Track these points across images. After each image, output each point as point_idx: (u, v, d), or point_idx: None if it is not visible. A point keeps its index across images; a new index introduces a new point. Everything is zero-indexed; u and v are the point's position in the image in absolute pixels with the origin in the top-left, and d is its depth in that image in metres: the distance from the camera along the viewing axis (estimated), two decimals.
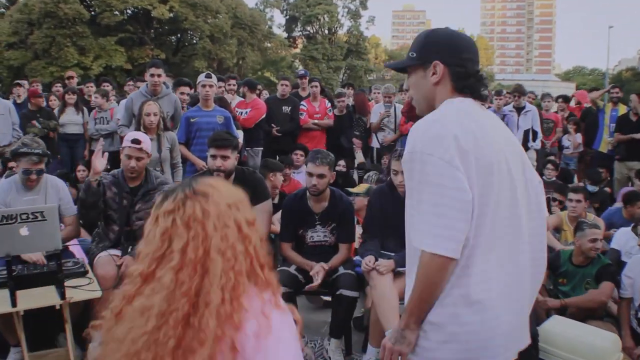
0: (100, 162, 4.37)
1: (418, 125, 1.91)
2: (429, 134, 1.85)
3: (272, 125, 8.27)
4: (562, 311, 4.31)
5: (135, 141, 4.40)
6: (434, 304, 1.86)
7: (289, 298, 4.25)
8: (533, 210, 2.01)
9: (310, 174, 4.43)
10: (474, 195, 1.80)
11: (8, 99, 9.95)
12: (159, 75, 6.43)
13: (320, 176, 4.39)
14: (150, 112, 5.67)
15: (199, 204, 1.42)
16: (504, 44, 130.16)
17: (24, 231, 3.40)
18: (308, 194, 4.56)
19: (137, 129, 5.70)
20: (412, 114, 7.73)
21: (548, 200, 6.77)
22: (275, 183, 5.80)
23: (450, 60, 1.98)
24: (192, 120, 6.36)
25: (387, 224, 4.31)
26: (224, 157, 4.33)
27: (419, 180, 1.85)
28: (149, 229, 1.44)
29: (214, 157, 4.35)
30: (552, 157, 8.99)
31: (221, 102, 7.30)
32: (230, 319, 1.31)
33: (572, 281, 4.50)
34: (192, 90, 8.07)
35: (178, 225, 1.39)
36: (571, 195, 5.69)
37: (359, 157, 9.16)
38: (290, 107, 8.49)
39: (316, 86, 8.93)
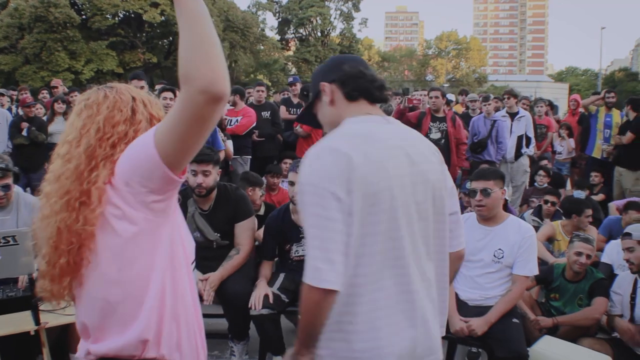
0: None
1: (309, 152, 1.84)
2: (316, 163, 1.78)
3: (254, 131, 8.21)
4: (555, 329, 4.20)
5: None
6: (324, 331, 1.82)
7: (273, 319, 4.15)
8: (439, 229, 1.97)
9: (291, 183, 4.32)
10: (356, 225, 1.75)
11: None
12: (141, 87, 6.33)
13: None
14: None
15: (104, 92, 1.75)
16: (497, 45, 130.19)
17: None
18: (292, 207, 4.46)
19: None
20: (401, 121, 7.59)
21: (539, 208, 6.67)
22: (253, 198, 5.64)
23: (333, 75, 1.97)
24: None
25: None
26: (205, 173, 4.19)
27: (305, 211, 1.77)
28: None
29: (194, 173, 4.21)
30: (545, 163, 8.91)
31: None
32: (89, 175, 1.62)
33: (565, 296, 4.38)
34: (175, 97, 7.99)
35: (82, 109, 1.73)
36: (588, 212, 5.57)
37: None
38: (269, 112, 8.47)
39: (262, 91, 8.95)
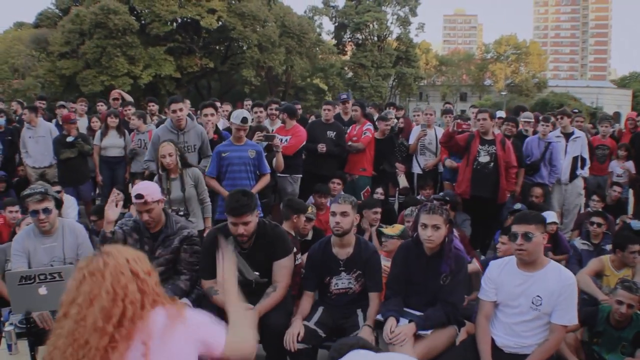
0: (113, 211, 4.40)
1: None
2: None
3: (321, 145, 8.11)
4: None
5: (138, 196, 4.37)
6: None
7: (309, 354, 4.18)
8: None
9: (333, 213, 4.38)
10: None
11: (55, 116, 10.18)
12: (180, 110, 6.49)
13: (343, 214, 4.33)
14: (166, 154, 5.67)
15: (102, 259, 2.07)
16: (558, 49, 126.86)
17: (42, 290, 3.45)
18: (333, 239, 4.50)
19: (157, 170, 5.83)
20: (450, 144, 7.54)
21: (588, 232, 6.49)
22: (298, 224, 5.69)
23: None
24: (223, 154, 6.35)
25: (411, 281, 4.20)
26: (245, 223, 4.21)
27: None
28: (70, 282, 2.10)
29: (234, 224, 4.24)
30: (617, 184, 8.57)
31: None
32: (110, 333, 1.97)
33: (608, 344, 4.22)
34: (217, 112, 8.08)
35: (85, 275, 2.04)
36: (633, 248, 5.22)
37: (402, 182, 8.97)
38: (335, 133, 8.34)
39: (356, 110, 8.83)
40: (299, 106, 10.90)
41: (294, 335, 4.11)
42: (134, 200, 4.42)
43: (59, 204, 4.75)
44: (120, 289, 2.02)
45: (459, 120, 7.56)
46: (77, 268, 2.11)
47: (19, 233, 4.81)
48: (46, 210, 4.44)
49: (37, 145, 8.86)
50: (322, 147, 8.05)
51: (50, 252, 4.54)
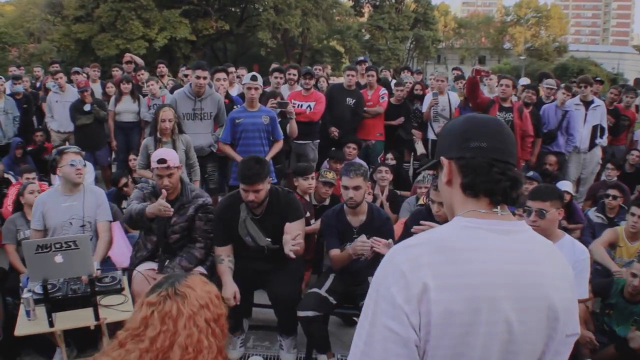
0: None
1: (391, 250, 1.49)
2: (394, 269, 1.42)
3: (334, 129, 8.13)
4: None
5: (161, 161, 4.40)
6: None
7: (319, 321, 4.25)
8: None
9: (345, 187, 4.40)
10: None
11: (71, 81, 10.17)
12: (204, 78, 6.52)
13: (356, 188, 4.36)
14: (166, 119, 5.88)
15: (176, 304, 1.83)
16: (580, 12, 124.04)
17: (58, 259, 3.48)
18: (346, 207, 4.53)
19: (153, 133, 6.01)
20: (475, 95, 7.22)
21: (603, 204, 6.45)
22: (302, 188, 5.71)
23: (454, 152, 1.55)
24: (237, 121, 6.35)
25: None
26: (256, 191, 4.23)
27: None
28: (136, 310, 1.89)
29: (245, 191, 4.27)
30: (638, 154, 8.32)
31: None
32: None
33: (619, 316, 4.22)
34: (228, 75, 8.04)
35: (155, 317, 1.81)
36: (634, 210, 5.17)
37: (420, 148, 8.87)
38: (354, 100, 8.25)
39: (372, 76, 8.78)
40: (319, 67, 10.86)
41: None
42: (155, 165, 4.44)
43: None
44: (193, 346, 1.81)
45: (476, 67, 7.36)
46: (146, 302, 1.86)
47: (41, 194, 4.91)
48: (82, 161, 4.62)
49: (65, 110, 8.83)
50: (334, 134, 8.12)
51: (70, 210, 4.63)
